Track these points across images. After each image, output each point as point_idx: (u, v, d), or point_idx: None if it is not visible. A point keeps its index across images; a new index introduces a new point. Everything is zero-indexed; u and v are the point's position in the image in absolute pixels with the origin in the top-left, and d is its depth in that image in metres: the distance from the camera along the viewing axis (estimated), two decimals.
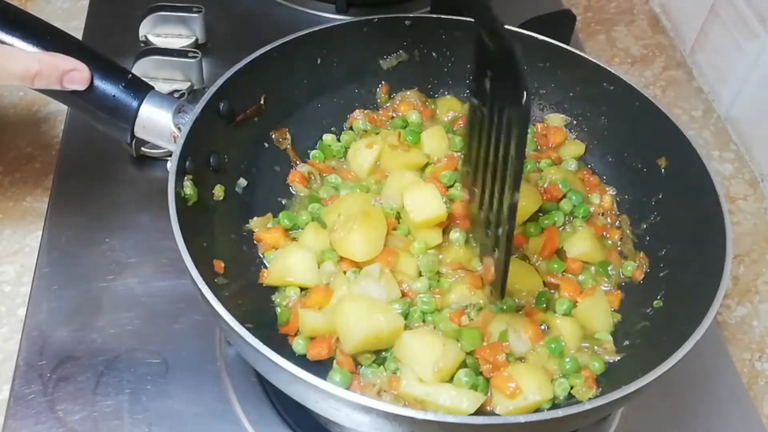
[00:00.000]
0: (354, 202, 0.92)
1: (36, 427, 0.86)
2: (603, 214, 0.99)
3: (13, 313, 0.99)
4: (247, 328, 0.69)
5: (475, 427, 0.66)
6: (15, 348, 0.93)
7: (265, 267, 0.90)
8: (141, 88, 0.86)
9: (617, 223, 0.98)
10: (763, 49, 1.24)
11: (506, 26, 1.01)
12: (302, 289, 0.87)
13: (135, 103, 0.85)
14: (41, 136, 1.21)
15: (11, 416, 0.87)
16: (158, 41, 1.29)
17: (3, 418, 0.87)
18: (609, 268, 0.92)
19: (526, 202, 0.94)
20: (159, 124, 0.86)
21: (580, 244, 0.92)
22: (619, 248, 0.96)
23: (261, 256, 0.91)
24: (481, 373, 0.80)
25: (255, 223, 0.92)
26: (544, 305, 0.87)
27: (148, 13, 1.28)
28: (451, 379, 0.79)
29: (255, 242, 0.92)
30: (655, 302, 0.87)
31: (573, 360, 0.82)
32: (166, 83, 1.21)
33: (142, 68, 1.21)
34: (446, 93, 1.09)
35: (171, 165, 0.80)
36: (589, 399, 0.76)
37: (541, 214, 0.96)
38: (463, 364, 0.80)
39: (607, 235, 0.97)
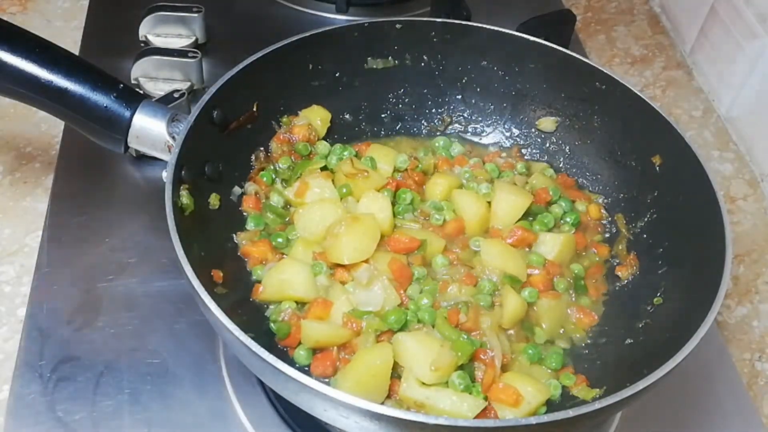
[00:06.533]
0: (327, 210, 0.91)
1: (36, 427, 0.86)
2: (592, 225, 0.99)
3: (13, 313, 0.99)
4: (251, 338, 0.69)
5: (486, 429, 0.66)
6: (15, 348, 0.93)
7: (257, 282, 0.89)
8: (133, 98, 0.85)
9: (607, 236, 0.99)
10: (763, 49, 1.24)
11: (498, 28, 1.02)
12: (296, 302, 0.87)
13: (127, 113, 0.84)
14: (41, 136, 1.21)
15: (11, 416, 0.87)
16: (158, 41, 1.29)
17: (3, 418, 0.87)
18: (582, 283, 0.93)
19: (519, 199, 0.95)
20: (152, 133, 0.85)
21: (551, 243, 0.94)
22: (613, 257, 0.97)
23: (250, 270, 0.90)
24: (474, 380, 0.80)
25: (242, 237, 0.92)
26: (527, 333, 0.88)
27: (148, 13, 1.28)
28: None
29: (242, 257, 0.91)
30: (655, 299, 0.88)
31: (536, 349, 0.84)
32: (166, 83, 1.21)
33: (142, 68, 1.21)
34: (438, 99, 1.09)
35: (167, 175, 0.80)
36: (594, 398, 0.76)
37: (531, 218, 0.97)
38: (459, 366, 0.80)
39: (596, 251, 0.97)
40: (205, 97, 0.88)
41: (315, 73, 1.02)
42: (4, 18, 0.85)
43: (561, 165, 1.06)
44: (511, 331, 0.87)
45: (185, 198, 0.82)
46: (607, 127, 1.02)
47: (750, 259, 1.16)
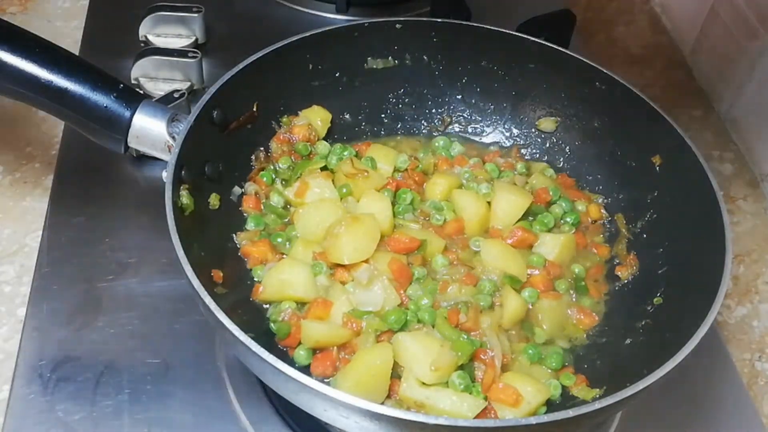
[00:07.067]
0: (326, 210, 0.91)
1: (36, 427, 0.86)
2: (592, 225, 0.99)
3: (13, 313, 0.99)
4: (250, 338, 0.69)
5: (486, 429, 0.66)
6: (15, 348, 0.93)
7: (257, 282, 0.89)
8: (133, 98, 0.85)
9: (607, 236, 0.99)
10: (763, 49, 1.24)
11: (498, 28, 1.02)
12: (296, 302, 0.86)
13: (127, 113, 0.84)
14: (41, 136, 1.21)
15: (11, 416, 0.87)
16: (158, 41, 1.29)
17: (3, 418, 0.87)
18: (583, 284, 0.93)
19: (519, 199, 0.96)
20: (152, 133, 0.85)
21: (551, 243, 0.94)
22: (613, 257, 0.97)
23: (250, 270, 0.90)
24: (474, 380, 0.80)
25: (242, 237, 0.92)
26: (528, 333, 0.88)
27: (148, 13, 1.28)
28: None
29: (242, 257, 0.91)
30: (655, 299, 0.88)
31: (536, 349, 0.84)
32: (166, 83, 1.21)
33: (142, 68, 1.21)
34: (438, 99, 1.09)
35: (167, 175, 0.80)
36: (594, 398, 0.76)
37: (531, 218, 0.97)
38: (459, 366, 0.80)
39: (596, 252, 0.97)
40: (205, 97, 0.88)
41: (315, 73, 1.02)
42: (4, 18, 0.85)
43: (561, 165, 1.06)
44: (512, 331, 0.87)
45: (185, 198, 0.82)
46: (607, 127, 1.02)
47: (750, 259, 1.16)
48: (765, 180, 1.26)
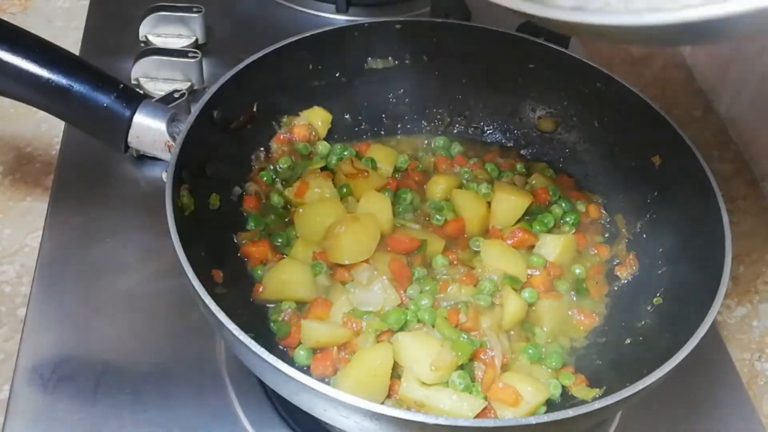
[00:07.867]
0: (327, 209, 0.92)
1: (36, 427, 0.86)
2: (593, 226, 0.99)
3: (13, 313, 0.99)
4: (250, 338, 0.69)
5: (486, 429, 0.66)
6: (15, 348, 0.93)
7: (257, 282, 0.89)
8: (133, 98, 0.85)
9: (607, 236, 0.99)
10: (763, 49, 1.24)
11: (498, 28, 1.02)
12: (297, 302, 0.87)
13: (128, 113, 0.84)
14: (41, 136, 1.21)
15: (11, 416, 0.87)
16: (158, 41, 1.29)
17: (3, 418, 0.87)
18: (584, 285, 0.93)
19: (519, 199, 0.96)
20: (153, 133, 0.85)
21: (552, 244, 0.94)
22: (613, 257, 0.97)
23: (250, 270, 0.90)
24: (474, 380, 0.80)
25: (242, 237, 0.92)
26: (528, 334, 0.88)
27: (148, 13, 1.28)
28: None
29: (243, 257, 0.91)
30: (655, 299, 0.88)
31: (536, 349, 0.84)
32: (166, 83, 1.21)
33: (142, 68, 1.21)
34: (438, 99, 1.09)
35: (167, 175, 0.80)
36: (594, 398, 0.76)
37: (531, 218, 0.97)
38: (459, 366, 0.80)
39: (596, 252, 0.97)
40: (205, 97, 0.88)
41: (315, 73, 1.02)
42: (4, 18, 0.85)
43: (561, 165, 1.06)
44: (512, 332, 0.87)
45: (185, 198, 0.82)
46: (607, 127, 1.02)
47: (750, 259, 1.16)
48: (765, 180, 1.26)
